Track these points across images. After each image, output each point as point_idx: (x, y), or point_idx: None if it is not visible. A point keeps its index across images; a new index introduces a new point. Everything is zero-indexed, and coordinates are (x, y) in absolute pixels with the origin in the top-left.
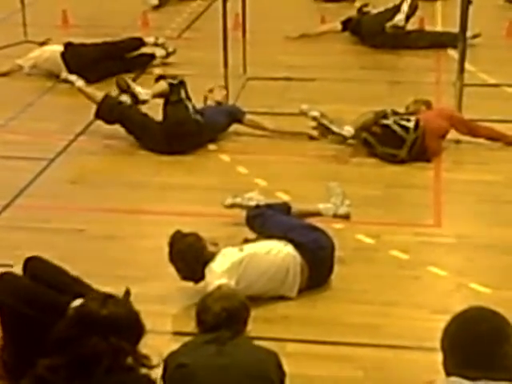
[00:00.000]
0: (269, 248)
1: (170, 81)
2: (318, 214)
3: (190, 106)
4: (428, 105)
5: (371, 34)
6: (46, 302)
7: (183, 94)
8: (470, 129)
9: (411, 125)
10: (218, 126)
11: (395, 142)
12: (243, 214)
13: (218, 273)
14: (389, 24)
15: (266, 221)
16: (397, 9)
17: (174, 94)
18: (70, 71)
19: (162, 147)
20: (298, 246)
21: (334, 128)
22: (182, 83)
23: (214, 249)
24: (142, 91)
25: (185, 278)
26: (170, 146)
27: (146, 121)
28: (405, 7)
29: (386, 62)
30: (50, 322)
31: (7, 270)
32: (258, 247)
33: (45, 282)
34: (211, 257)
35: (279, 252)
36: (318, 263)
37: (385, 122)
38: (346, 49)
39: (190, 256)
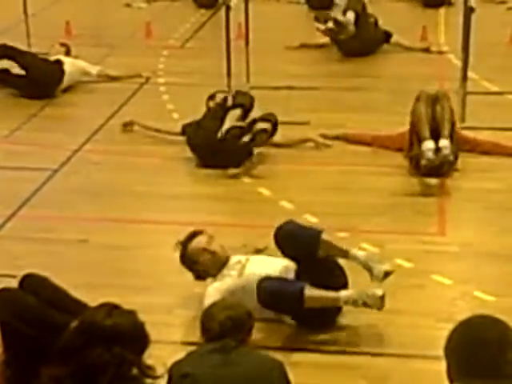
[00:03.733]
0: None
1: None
2: (344, 253)
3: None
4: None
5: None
6: (45, 321)
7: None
8: (472, 145)
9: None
10: None
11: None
12: (248, 222)
13: (213, 293)
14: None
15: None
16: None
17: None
18: None
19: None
20: None
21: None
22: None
23: (213, 258)
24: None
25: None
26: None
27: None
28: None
29: (389, 70)
30: (49, 341)
31: (5, 285)
32: (256, 276)
33: (44, 300)
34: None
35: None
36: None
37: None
38: (349, 57)
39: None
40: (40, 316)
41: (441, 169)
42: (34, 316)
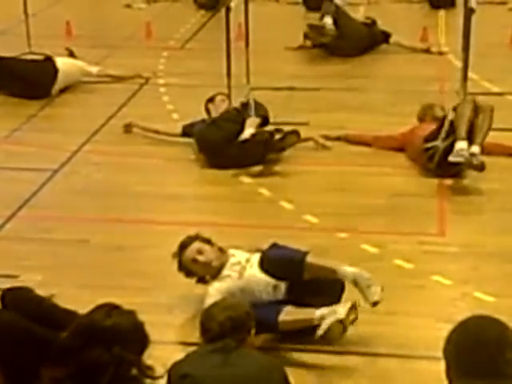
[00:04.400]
0: (265, 282)
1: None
2: (332, 272)
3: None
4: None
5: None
6: (30, 335)
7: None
8: None
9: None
10: None
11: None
12: (248, 223)
13: (214, 293)
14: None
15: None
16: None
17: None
18: None
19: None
20: None
21: None
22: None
23: (205, 267)
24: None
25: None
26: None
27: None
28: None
29: (389, 70)
30: (39, 354)
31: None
32: (256, 278)
33: (27, 314)
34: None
35: (276, 289)
36: None
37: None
38: (349, 58)
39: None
40: (23, 332)
41: (456, 169)
42: (17, 332)
